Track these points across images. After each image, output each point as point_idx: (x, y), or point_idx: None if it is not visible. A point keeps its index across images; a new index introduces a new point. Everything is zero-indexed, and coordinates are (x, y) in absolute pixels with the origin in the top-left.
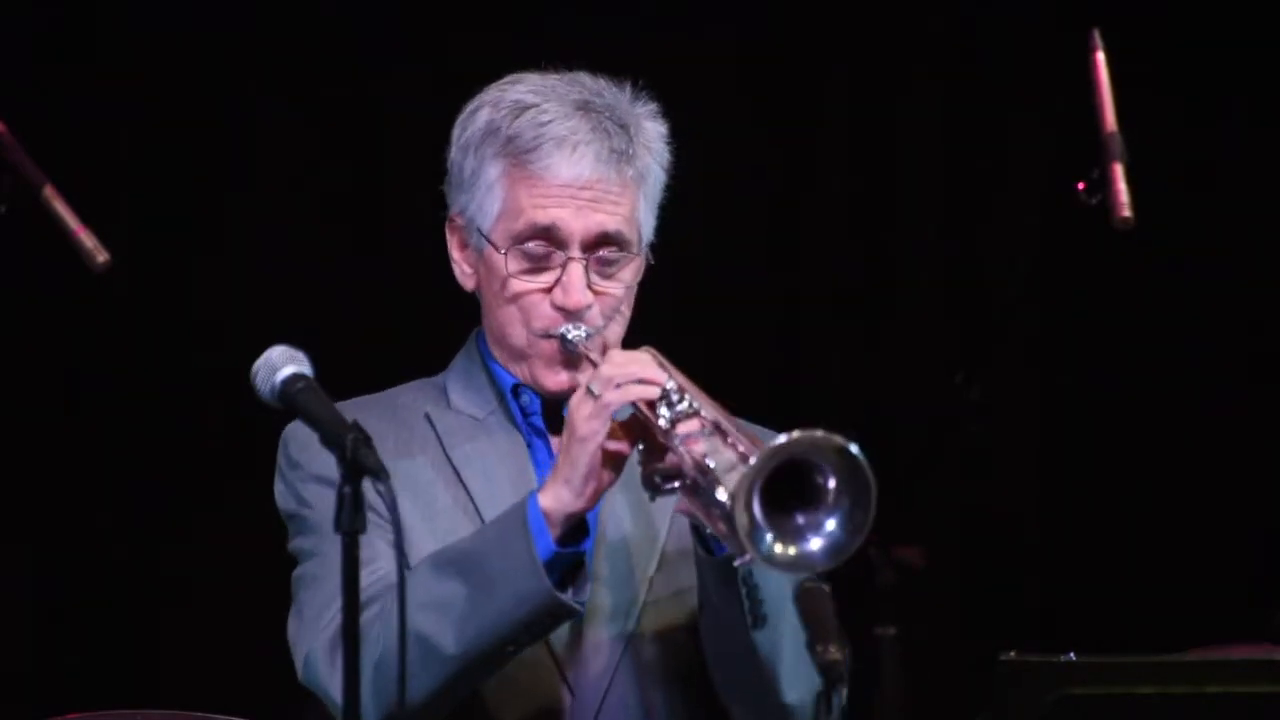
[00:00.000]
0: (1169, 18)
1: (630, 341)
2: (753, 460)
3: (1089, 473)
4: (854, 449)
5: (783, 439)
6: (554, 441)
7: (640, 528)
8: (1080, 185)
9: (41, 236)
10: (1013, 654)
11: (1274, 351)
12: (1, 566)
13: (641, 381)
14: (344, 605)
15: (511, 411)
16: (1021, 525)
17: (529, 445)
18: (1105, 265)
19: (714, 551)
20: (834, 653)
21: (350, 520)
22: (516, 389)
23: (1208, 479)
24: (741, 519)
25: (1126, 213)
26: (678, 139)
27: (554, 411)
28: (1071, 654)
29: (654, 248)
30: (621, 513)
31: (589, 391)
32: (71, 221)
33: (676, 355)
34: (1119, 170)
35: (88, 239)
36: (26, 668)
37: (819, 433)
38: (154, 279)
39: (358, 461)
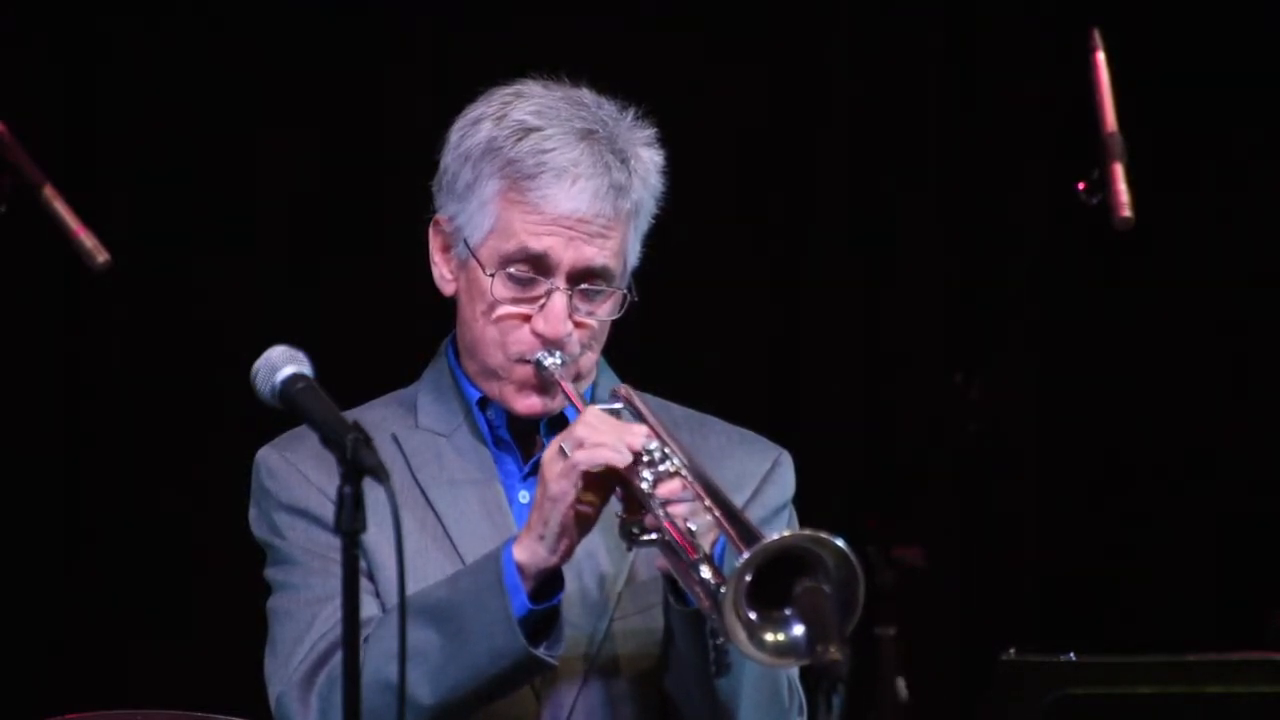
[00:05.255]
0: (1169, 18)
1: (616, 367)
2: (745, 555)
3: (1089, 473)
4: (841, 543)
5: (774, 537)
6: (521, 454)
7: (609, 542)
8: (1080, 185)
9: (41, 236)
10: (1013, 654)
11: (1274, 351)
12: (1, 566)
13: (617, 446)
14: (344, 606)
15: (478, 425)
16: (1021, 525)
17: (495, 460)
18: (1105, 265)
19: (685, 602)
20: (834, 653)
21: (350, 520)
22: (483, 403)
23: (1208, 479)
24: (730, 617)
25: (1126, 213)
26: (678, 135)
27: (520, 424)
28: (1071, 654)
29: (653, 249)
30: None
31: (561, 450)
32: (71, 221)
33: (675, 356)
34: (1119, 170)
35: (88, 239)
36: (26, 668)
37: (807, 531)
38: (154, 279)
39: (358, 461)
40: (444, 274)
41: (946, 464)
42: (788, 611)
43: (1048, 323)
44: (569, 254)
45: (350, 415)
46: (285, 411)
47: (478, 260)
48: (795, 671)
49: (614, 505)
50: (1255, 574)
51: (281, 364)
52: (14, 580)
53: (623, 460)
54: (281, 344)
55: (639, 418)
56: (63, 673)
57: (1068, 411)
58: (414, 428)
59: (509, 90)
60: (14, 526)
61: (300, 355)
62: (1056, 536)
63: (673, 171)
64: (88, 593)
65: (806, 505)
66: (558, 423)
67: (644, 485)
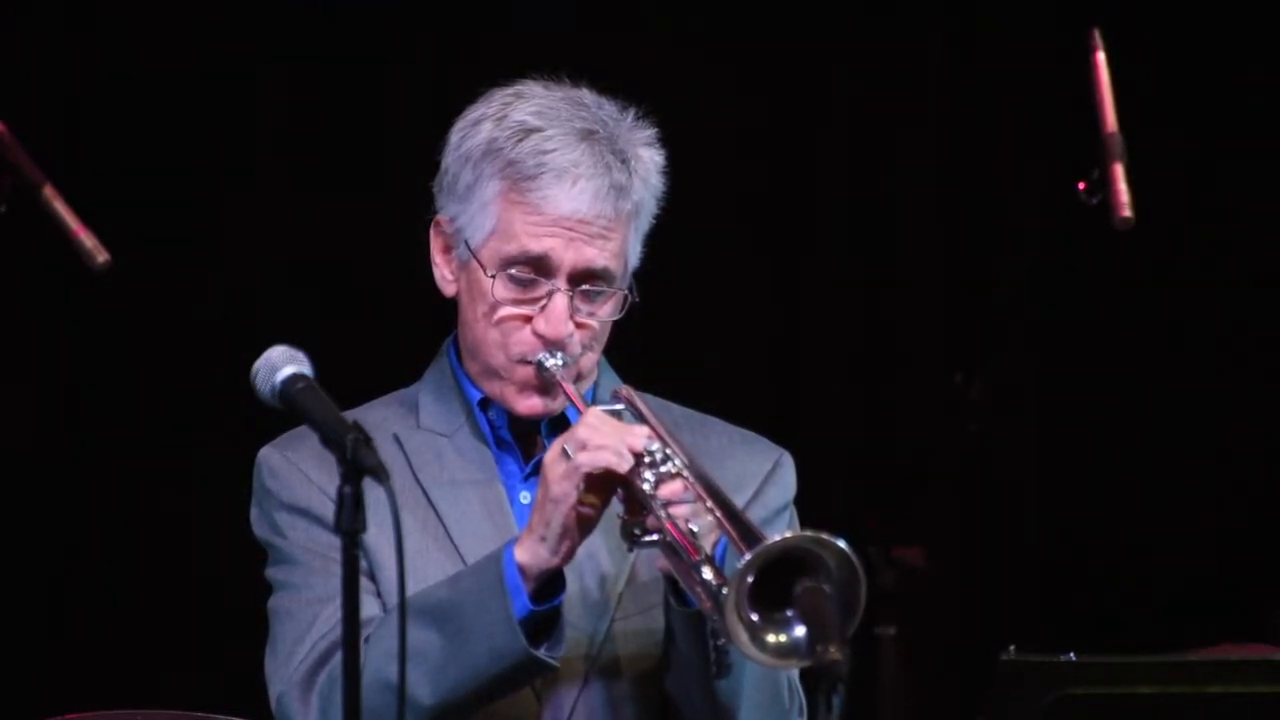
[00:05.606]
0: (1169, 18)
1: (617, 368)
2: (746, 557)
3: (1089, 472)
4: (842, 544)
5: (776, 538)
6: (522, 455)
7: (610, 543)
8: (1080, 185)
9: (41, 236)
10: (1013, 654)
11: (1274, 351)
12: (2, 567)
13: (619, 449)
14: (344, 606)
15: (479, 426)
16: (1021, 525)
17: (497, 460)
18: (1105, 265)
19: (686, 602)
20: (834, 653)
21: (350, 520)
22: (484, 403)
23: (1207, 478)
24: (732, 618)
25: (1127, 213)
26: (678, 135)
27: (521, 425)
28: (1071, 654)
29: (654, 249)
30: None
31: (564, 452)
32: (71, 221)
33: (675, 356)
34: (1119, 170)
35: (88, 239)
36: (26, 668)
37: (808, 532)
38: (154, 279)
39: (358, 461)
40: (445, 275)
41: (946, 464)
42: (789, 612)
43: (1048, 323)
44: (570, 255)
45: (351, 415)
46: (285, 411)
47: (479, 261)
48: (795, 672)
49: (615, 506)
50: (1255, 573)
51: (281, 364)
52: (14, 580)
53: (624, 464)
54: (281, 344)
55: (640, 418)
56: (63, 673)
57: (1068, 411)
58: (415, 428)
59: (509, 91)
60: (14, 526)
61: (300, 355)
62: (1056, 536)
63: (673, 171)
64: (88, 593)
65: (807, 505)
66: (559, 423)
67: (645, 486)
